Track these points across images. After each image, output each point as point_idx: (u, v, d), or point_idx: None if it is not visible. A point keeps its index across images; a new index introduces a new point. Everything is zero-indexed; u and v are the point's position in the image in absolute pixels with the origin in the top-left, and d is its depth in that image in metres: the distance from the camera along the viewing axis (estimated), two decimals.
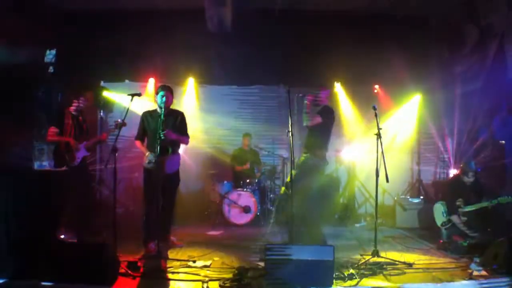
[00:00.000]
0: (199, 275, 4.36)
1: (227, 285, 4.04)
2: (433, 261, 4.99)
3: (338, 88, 8.41)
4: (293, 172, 5.23)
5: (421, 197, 7.89)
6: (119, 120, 5.31)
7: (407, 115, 8.65)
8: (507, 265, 4.33)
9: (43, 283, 3.91)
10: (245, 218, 7.35)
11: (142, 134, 5.59)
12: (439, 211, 6.02)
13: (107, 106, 8.16)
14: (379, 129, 5.20)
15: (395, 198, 7.77)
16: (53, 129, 5.61)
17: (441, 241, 5.75)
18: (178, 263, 4.79)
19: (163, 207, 5.35)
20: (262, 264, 4.44)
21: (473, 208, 5.59)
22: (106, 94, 8.06)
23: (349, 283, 4.13)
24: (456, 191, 5.85)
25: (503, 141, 6.68)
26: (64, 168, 5.57)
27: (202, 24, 7.09)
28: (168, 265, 4.69)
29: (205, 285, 4.03)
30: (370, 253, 5.05)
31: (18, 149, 6.23)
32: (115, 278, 4.10)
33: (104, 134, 6.22)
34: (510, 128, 6.55)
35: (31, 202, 4.43)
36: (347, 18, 7.55)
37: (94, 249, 4.18)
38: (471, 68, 7.28)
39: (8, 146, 5.94)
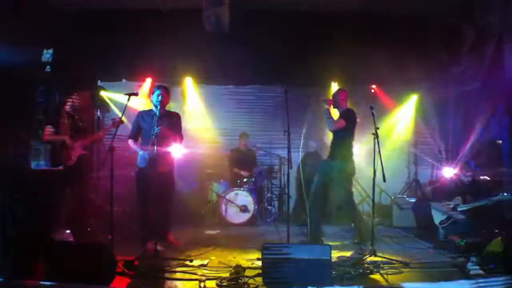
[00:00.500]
0: (196, 274, 4.35)
1: (224, 284, 4.03)
2: (430, 260, 5.00)
3: (335, 88, 8.40)
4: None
5: (418, 196, 7.90)
6: (117, 118, 5.31)
7: (404, 115, 8.68)
8: (504, 264, 4.34)
9: (40, 283, 3.90)
10: (242, 218, 7.36)
11: (135, 133, 5.57)
12: (437, 209, 6.02)
13: (104, 105, 8.14)
14: (376, 128, 5.23)
15: (392, 197, 7.78)
16: (49, 129, 5.60)
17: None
18: (175, 262, 4.78)
19: (159, 206, 5.34)
20: (259, 263, 4.44)
21: (471, 207, 5.61)
22: (103, 93, 8.05)
23: (346, 282, 4.12)
24: (454, 190, 5.87)
25: (500, 141, 6.69)
26: (60, 167, 5.56)
27: (199, 24, 7.08)
28: (165, 264, 4.68)
29: (202, 284, 4.04)
30: (367, 252, 5.07)
31: (15, 148, 6.21)
32: (112, 277, 4.09)
33: (101, 132, 6.22)
34: (506, 128, 6.56)
35: (27, 202, 4.42)
36: (344, 18, 7.55)
37: (91, 249, 4.18)
38: (468, 68, 7.30)
39: (5, 145, 5.92)
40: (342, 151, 5.81)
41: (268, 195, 8.17)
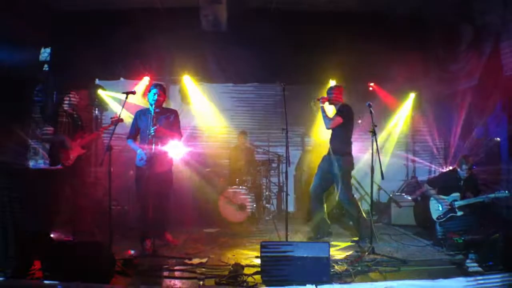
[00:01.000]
0: (195, 272, 4.35)
1: (223, 282, 4.03)
2: (429, 258, 5.01)
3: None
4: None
5: (416, 194, 7.90)
6: (116, 115, 5.30)
7: (402, 112, 8.68)
8: (502, 261, 4.36)
9: (40, 281, 3.90)
10: (240, 216, 7.35)
11: (134, 133, 5.58)
12: (434, 205, 6.02)
13: (102, 104, 8.13)
14: (374, 126, 5.23)
15: (390, 195, 7.79)
16: (47, 128, 5.60)
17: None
18: (174, 260, 4.78)
19: (157, 205, 5.35)
20: (258, 261, 4.44)
21: (468, 203, 5.63)
22: (101, 92, 8.03)
23: (344, 279, 4.13)
24: (451, 184, 5.87)
25: (498, 138, 6.71)
26: (59, 166, 5.56)
27: (197, 22, 7.09)
28: (164, 263, 4.68)
29: (201, 282, 4.04)
30: (365, 250, 5.09)
31: (14, 148, 6.20)
32: (111, 276, 4.09)
33: (100, 131, 6.21)
34: (504, 126, 6.58)
35: (26, 201, 4.41)
36: (343, 17, 7.56)
37: (90, 248, 4.19)
38: (466, 67, 7.31)
39: (4, 145, 5.91)
40: (341, 146, 5.81)
41: (267, 193, 8.16)
